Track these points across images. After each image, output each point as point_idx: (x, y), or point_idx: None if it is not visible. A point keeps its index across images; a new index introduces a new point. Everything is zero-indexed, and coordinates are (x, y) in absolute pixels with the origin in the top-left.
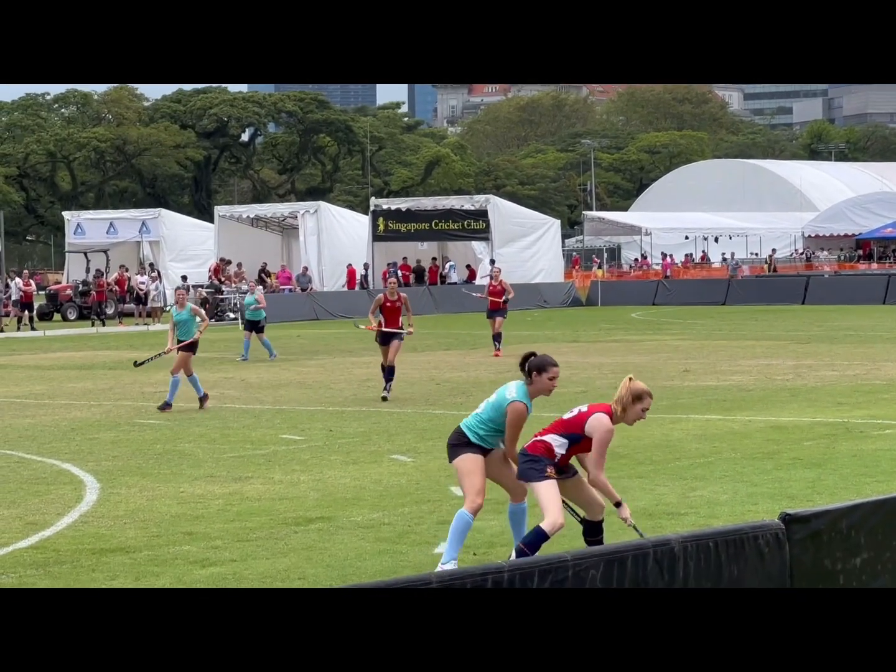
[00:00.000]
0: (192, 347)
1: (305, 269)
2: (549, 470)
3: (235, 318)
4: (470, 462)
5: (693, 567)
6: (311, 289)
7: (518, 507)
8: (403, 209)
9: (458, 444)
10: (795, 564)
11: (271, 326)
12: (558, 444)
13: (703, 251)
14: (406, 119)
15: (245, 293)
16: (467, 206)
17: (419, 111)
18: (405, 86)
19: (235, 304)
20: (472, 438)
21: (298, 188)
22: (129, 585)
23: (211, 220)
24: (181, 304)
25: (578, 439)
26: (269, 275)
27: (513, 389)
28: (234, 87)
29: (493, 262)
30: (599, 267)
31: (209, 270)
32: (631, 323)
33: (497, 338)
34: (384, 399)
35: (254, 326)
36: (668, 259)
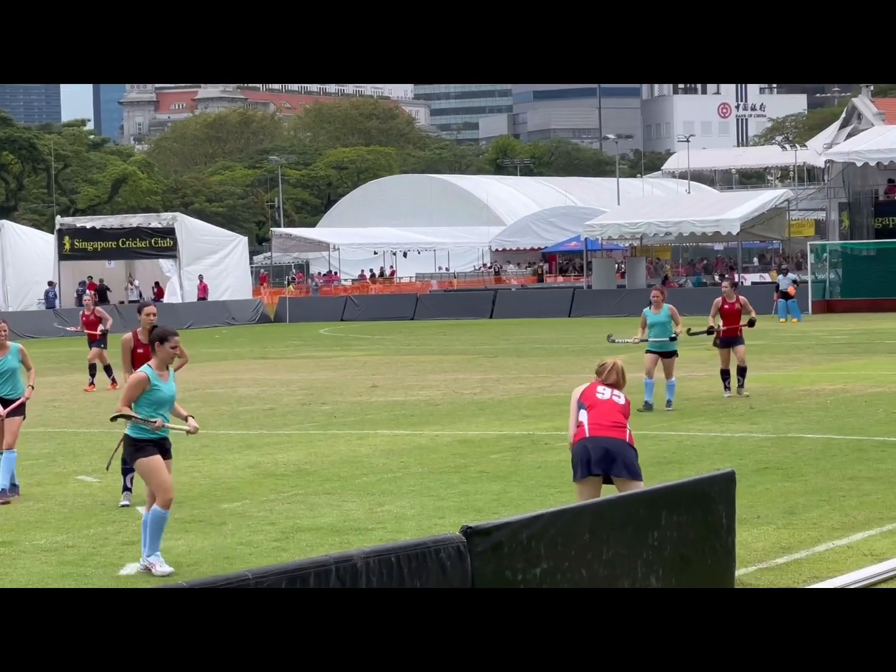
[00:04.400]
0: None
1: None
2: None
3: None
4: (150, 462)
5: (376, 582)
6: None
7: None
8: (90, 227)
9: (134, 449)
10: (477, 576)
11: None
12: None
13: (392, 266)
14: (92, 136)
15: None
16: (154, 224)
17: (105, 128)
18: (90, 102)
19: None
20: (135, 436)
21: None
22: None
23: None
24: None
25: None
26: None
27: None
28: None
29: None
30: (290, 283)
31: None
32: (319, 339)
33: (92, 369)
34: None
35: None
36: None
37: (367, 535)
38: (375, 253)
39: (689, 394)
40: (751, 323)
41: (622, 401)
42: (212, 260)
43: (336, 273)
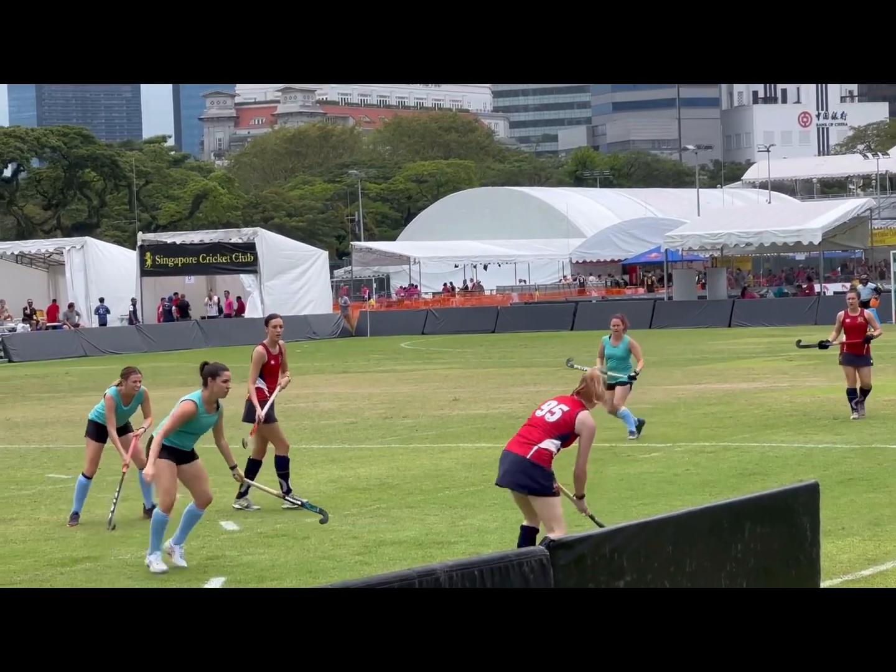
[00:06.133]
0: None
1: (71, 304)
2: (556, 484)
3: (1, 357)
4: (159, 466)
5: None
6: (80, 325)
7: (199, 512)
8: (171, 243)
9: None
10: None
11: (38, 364)
12: (555, 448)
13: (472, 279)
14: (172, 153)
15: (13, 331)
16: (235, 240)
17: (185, 144)
18: (171, 119)
19: (0, 342)
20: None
21: (64, 224)
22: None
23: None
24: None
25: (567, 438)
26: (34, 312)
27: (189, 395)
28: None
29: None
30: (370, 297)
31: None
32: (401, 353)
33: None
34: None
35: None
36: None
37: (449, 549)
38: (456, 266)
39: (772, 405)
40: (867, 339)
41: (555, 417)
42: (293, 274)
43: (416, 286)
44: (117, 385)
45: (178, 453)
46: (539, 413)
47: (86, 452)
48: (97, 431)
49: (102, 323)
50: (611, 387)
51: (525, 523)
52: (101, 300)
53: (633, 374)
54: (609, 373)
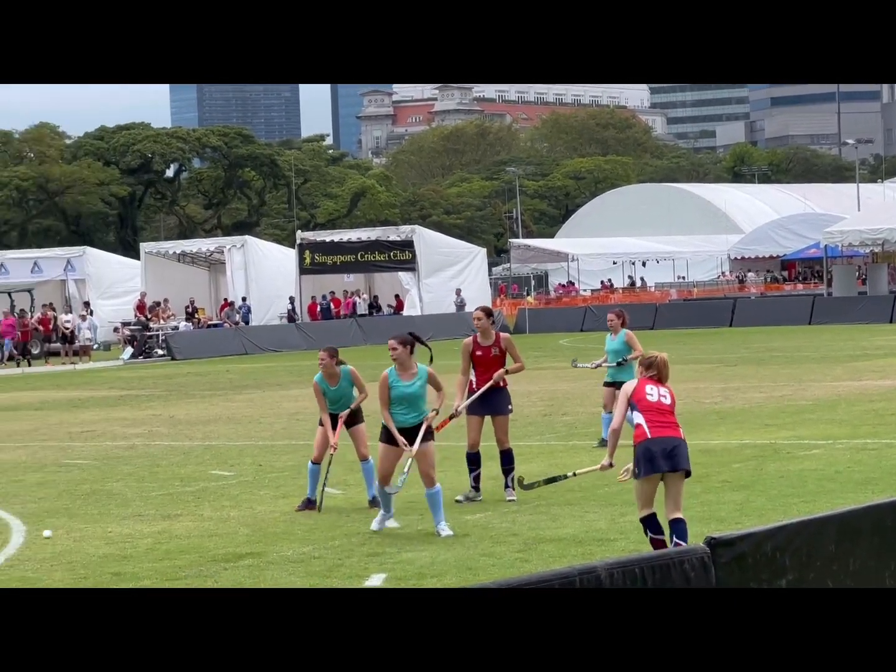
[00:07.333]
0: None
1: (231, 302)
2: None
3: (164, 355)
4: (380, 448)
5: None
6: (240, 323)
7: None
8: (329, 241)
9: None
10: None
11: (200, 362)
12: None
13: (630, 276)
14: (331, 151)
15: (175, 329)
16: (393, 237)
17: (344, 143)
18: (329, 118)
19: (164, 341)
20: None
21: (225, 223)
22: None
23: (137, 256)
24: None
25: None
26: (196, 310)
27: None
28: (157, 123)
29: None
30: (527, 294)
31: (134, 307)
32: (559, 350)
33: None
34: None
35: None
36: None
37: (609, 546)
38: (614, 263)
39: None
40: None
41: (668, 400)
42: (451, 272)
43: (574, 283)
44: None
45: (406, 433)
46: (652, 399)
47: (315, 438)
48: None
49: (245, 321)
50: (610, 384)
51: (648, 512)
52: (244, 299)
53: (622, 360)
54: (608, 367)
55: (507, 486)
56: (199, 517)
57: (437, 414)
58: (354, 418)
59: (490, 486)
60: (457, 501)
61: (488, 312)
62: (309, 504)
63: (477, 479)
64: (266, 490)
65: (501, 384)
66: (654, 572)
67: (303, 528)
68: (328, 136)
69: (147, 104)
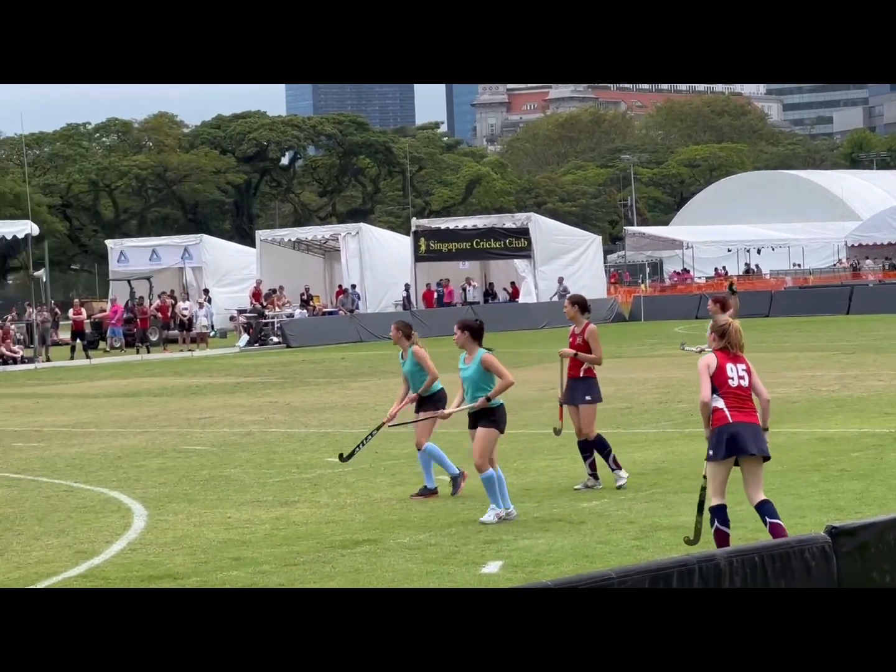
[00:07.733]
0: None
1: (346, 290)
2: None
3: (279, 342)
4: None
5: (739, 582)
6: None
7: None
8: (444, 229)
9: None
10: (844, 577)
11: (315, 349)
12: None
13: (746, 263)
14: (445, 139)
15: (290, 316)
16: (508, 225)
17: (458, 130)
18: (444, 105)
19: (279, 328)
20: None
21: (339, 210)
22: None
23: (252, 244)
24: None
25: None
26: (311, 298)
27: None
28: (272, 111)
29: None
30: (642, 282)
31: (250, 295)
32: (674, 337)
33: None
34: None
35: None
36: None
37: None
38: (729, 250)
39: None
40: None
41: (746, 382)
42: (566, 259)
43: (689, 271)
44: None
45: (471, 418)
46: (733, 383)
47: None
48: (418, 403)
49: (355, 308)
50: None
51: (720, 501)
52: (353, 286)
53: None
54: None
55: (612, 470)
56: (316, 504)
57: (487, 402)
58: (426, 402)
59: (604, 473)
60: (575, 489)
61: (573, 301)
62: (427, 492)
63: (592, 467)
64: (382, 477)
65: (582, 374)
66: (774, 560)
67: (419, 515)
68: (443, 123)
69: (263, 93)
